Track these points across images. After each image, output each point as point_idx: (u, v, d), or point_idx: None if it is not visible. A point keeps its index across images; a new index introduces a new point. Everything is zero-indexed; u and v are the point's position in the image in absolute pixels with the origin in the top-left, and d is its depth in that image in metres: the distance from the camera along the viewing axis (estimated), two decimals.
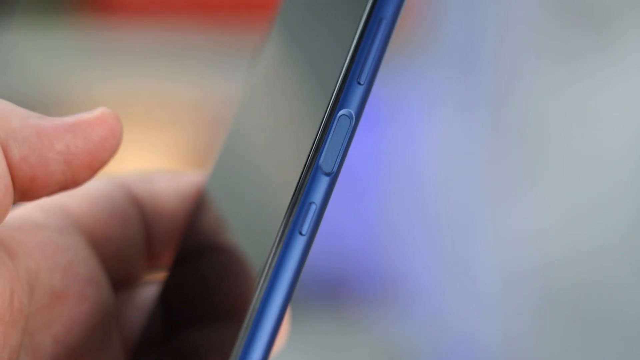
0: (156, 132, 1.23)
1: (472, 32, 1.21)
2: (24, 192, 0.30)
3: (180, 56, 1.20)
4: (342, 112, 0.27)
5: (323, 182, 0.27)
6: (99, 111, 0.30)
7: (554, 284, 1.21)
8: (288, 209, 0.27)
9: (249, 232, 0.30)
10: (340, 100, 0.27)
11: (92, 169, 0.30)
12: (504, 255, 1.23)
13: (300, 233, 0.27)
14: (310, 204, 0.27)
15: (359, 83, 0.27)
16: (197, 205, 0.34)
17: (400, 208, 1.26)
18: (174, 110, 1.23)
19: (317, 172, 0.27)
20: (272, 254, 0.27)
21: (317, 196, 0.27)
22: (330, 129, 0.27)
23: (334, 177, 0.27)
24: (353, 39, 0.27)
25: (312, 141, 0.27)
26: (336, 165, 0.27)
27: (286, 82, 0.33)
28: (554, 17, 1.18)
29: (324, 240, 1.24)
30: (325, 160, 0.27)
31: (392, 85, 1.22)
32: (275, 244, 0.27)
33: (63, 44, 1.19)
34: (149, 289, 0.36)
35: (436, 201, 1.25)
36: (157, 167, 1.23)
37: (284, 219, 0.27)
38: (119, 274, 0.34)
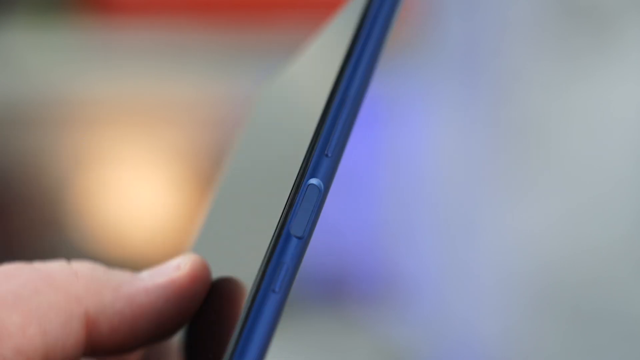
0: (156, 132, 1.23)
1: (472, 32, 1.21)
2: (109, 353, 0.30)
3: (180, 56, 1.20)
4: (310, 181, 0.28)
5: (293, 244, 0.28)
6: (190, 264, 0.30)
7: (554, 284, 1.21)
8: (260, 269, 0.28)
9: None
10: (308, 170, 0.28)
11: (180, 325, 0.30)
12: (504, 255, 1.23)
13: (273, 290, 0.27)
14: (282, 263, 0.28)
15: (326, 155, 0.28)
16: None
17: (401, 208, 1.26)
18: (174, 110, 1.23)
19: (288, 236, 0.28)
20: (245, 312, 0.27)
21: (288, 257, 0.28)
22: (300, 197, 0.28)
23: (304, 241, 0.28)
24: (324, 113, 0.29)
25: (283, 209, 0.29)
26: (307, 231, 0.28)
27: (272, 150, 0.35)
28: (554, 17, 1.18)
29: (323, 240, 1.24)
30: (296, 226, 0.28)
31: (392, 85, 1.22)
32: (248, 304, 0.27)
33: (63, 44, 1.19)
34: None
35: (436, 201, 1.25)
36: (156, 167, 1.23)
37: (256, 278, 0.28)
38: None
